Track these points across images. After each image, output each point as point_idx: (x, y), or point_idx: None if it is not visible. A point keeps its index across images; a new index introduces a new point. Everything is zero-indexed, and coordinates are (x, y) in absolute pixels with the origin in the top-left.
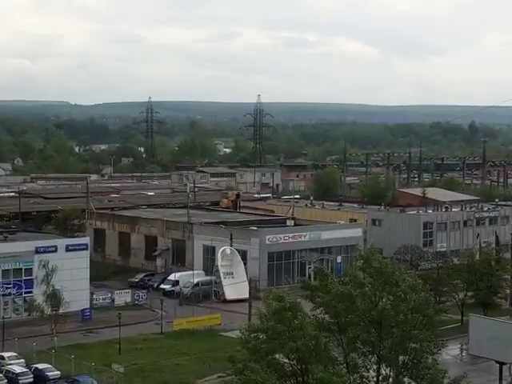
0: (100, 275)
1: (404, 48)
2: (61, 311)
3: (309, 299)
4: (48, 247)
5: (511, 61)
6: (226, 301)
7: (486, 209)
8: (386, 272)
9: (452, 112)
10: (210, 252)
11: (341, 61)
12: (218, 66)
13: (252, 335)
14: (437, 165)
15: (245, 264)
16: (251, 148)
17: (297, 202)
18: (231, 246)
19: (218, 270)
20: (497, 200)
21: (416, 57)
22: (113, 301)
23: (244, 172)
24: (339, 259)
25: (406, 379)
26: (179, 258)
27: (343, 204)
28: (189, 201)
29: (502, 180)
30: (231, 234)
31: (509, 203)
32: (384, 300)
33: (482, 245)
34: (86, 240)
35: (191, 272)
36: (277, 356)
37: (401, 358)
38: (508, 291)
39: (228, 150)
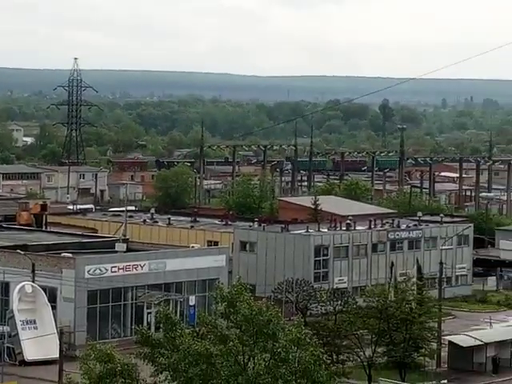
0: None
1: None
2: None
3: (148, 359)
4: None
5: (437, 15)
6: (25, 362)
7: (404, 226)
8: (258, 320)
9: (356, 86)
10: (1, 291)
11: (197, 10)
12: (10, 15)
13: None
14: (335, 163)
15: (53, 308)
16: (64, 137)
17: (131, 216)
18: (33, 281)
19: (12, 317)
20: (420, 214)
21: (305, 5)
22: None
23: (53, 172)
24: (192, 300)
25: None
26: None
27: (199, 219)
28: None
29: (426, 185)
30: (33, 264)
31: (436, 218)
32: (257, 360)
33: (399, 279)
34: None
35: None
36: None
37: None
38: (434, 345)
39: (30, 140)
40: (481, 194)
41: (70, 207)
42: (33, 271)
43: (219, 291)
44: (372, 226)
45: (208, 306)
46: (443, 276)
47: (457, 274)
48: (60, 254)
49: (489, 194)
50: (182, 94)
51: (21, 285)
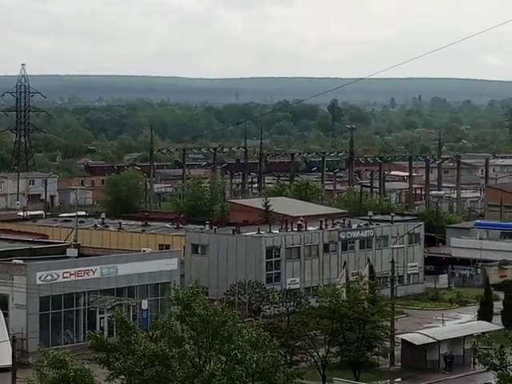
0: None
1: None
2: None
3: (104, 363)
4: None
5: (385, 14)
6: None
7: (355, 226)
8: (214, 321)
9: (305, 87)
10: None
11: (143, 14)
12: None
13: None
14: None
15: (5, 315)
16: (13, 143)
17: (82, 221)
18: None
19: None
20: (370, 213)
21: (251, 8)
22: None
23: (3, 179)
24: (145, 304)
25: None
26: None
27: (150, 223)
28: None
29: (376, 184)
30: None
31: (387, 217)
32: (213, 362)
33: (351, 278)
34: None
35: None
36: None
37: None
38: (388, 344)
39: None
40: (431, 193)
41: (20, 214)
42: None
43: (175, 293)
44: (323, 227)
45: (161, 310)
46: (395, 275)
47: (408, 272)
48: (11, 260)
49: (439, 192)
50: (130, 97)
51: None
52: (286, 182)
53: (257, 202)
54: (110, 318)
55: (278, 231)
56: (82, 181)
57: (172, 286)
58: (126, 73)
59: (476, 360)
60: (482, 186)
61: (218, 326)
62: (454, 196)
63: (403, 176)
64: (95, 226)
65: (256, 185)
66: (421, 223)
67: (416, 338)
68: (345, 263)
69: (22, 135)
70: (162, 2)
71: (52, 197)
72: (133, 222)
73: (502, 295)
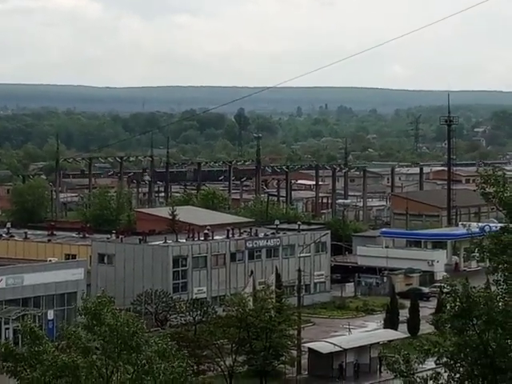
0: None
1: (140, 3)
2: None
3: (12, 374)
4: None
5: (292, 23)
6: None
7: (261, 235)
8: (123, 332)
9: (212, 96)
10: None
11: (48, 22)
12: None
13: None
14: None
15: None
16: None
17: None
18: None
19: None
20: (277, 222)
21: (158, 17)
22: None
23: None
24: (51, 315)
25: None
26: None
27: (56, 233)
28: None
29: (283, 193)
30: None
31: (293, 226)
32: (120, 373)
33: (257, 287)
34: None
35: None
36: None
37: None
38: (294, 353)
39: None
40: (337, 201)
41: None
42: None
43: (84, 303)
44: (230, 236)
45: (67, 320)
46: (302, 283)
47: (315, 281)
48: None
49: (345, 201)
50: (35, 106)
51: None
52: (193, 191)
53: (163, 211)
54: (20, 327)
55: (184, 240)
56: None
57: (81, 296)
58: (31, 81)
59: (382, 368)
60: (387, 195)
61: (127, 337)
62: (361, 204)
63: (310, 185)
64: (0, 235)
65: (163, 194)
66: (327, 232)
67: (322, 346)
68: (251, 272)
69: None
70: (67, 11)
71: None
72: (39, 232)
73: (407, 303)
